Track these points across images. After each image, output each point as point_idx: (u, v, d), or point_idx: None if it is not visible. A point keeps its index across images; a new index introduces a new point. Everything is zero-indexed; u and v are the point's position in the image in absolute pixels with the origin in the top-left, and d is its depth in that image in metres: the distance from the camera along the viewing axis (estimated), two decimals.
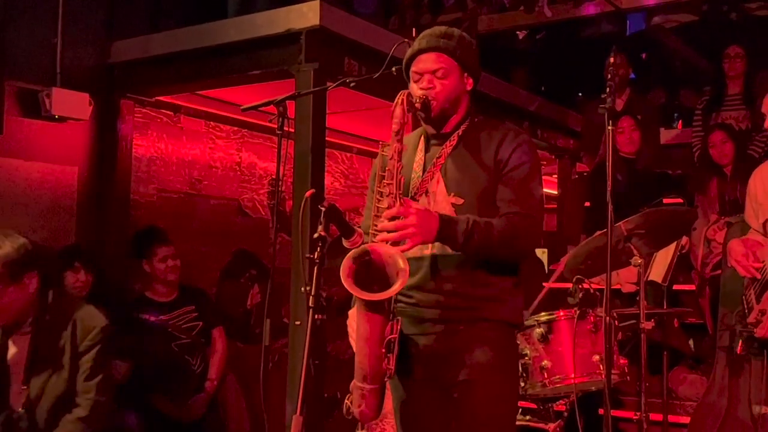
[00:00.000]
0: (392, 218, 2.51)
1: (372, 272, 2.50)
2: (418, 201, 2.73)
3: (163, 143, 5.70)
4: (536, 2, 7.33)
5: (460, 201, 2.70)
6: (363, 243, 2.75)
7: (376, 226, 2.58)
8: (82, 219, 5.15)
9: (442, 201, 2.72)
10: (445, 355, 2.70)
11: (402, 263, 2.46)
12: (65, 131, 5.06)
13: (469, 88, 2.82)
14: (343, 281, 2.45)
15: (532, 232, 2.70)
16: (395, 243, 2.51)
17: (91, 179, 5.23)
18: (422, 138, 2.87)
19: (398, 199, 2.56)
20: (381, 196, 2.63)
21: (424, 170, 2.78)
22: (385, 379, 2.62)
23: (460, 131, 2.80)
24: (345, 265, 2.47)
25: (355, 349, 2.64)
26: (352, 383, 2.65)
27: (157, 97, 5.56)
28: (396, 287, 2.44)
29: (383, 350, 2.56)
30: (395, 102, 2.62)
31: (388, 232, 2.50)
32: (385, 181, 2.61)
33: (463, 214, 2.65)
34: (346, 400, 2.68)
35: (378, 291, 2.47)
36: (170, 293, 4.90)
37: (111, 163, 5.31)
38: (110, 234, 5.28)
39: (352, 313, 2.73)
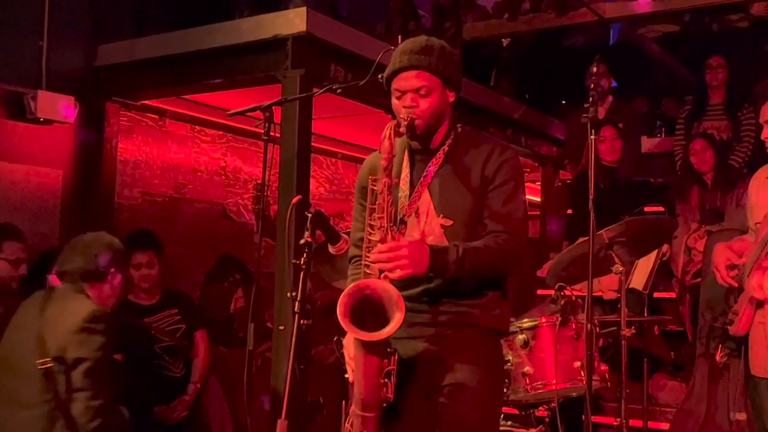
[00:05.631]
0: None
1: (368, 306, 2.52)
2: (407, 221, 2.75)
3: (148, 147, 5.70)
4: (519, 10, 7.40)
5: (449, 222, 2.72)
6: (351, 254, 2.77)
7: (368, 257, 2.61)
8: (66, 222, 5.14)
9: (431, 222, 2.74)
10: (432, 360, 2.72)
11: (397, 298, 2.48)
12: (50, 134, 5.05)
13: (451, 100, 2.82)
14: (339, 320, 2.46)
15: (518, 251, 2.74)
16: (387, 276, 2.54)
17: (76, 182, 5.22)
18: (406, 152, 2.86)
19: (389, 232, 2.58)
20: (372, 229, 2.64)
21: (411, 188, 2.79)
22: (384, 405, 2.64)
23: (446, 147, 2.80)
24: (341, 303, 2.47)
25: (352, 378, 2.66)
26: (351, 409, 2.68)
27: (142, 101, 5.57)
28: (392, 326, 2.46)
29: (381, 380, 2.59)
30: (383, 135, 2.61)
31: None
32: (375, 214, 2.62)
33: (452, 236, 2.69)
34: (346, 424, 2.70)
35: (375, 324, 2.48)
36: (153, 296, 4.90)
37: (96, 166, 5.31)
38: None
39: (348, 341, 2.74)
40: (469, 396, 2.69)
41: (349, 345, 2.72)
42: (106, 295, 3.60)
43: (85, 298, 3.48)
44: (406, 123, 2.67)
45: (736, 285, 3.51)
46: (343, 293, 2.51)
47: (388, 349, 2.62)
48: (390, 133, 2.62)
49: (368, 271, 2.61)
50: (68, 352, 3.28)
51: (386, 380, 2.60)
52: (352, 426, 2.68)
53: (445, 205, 2.74)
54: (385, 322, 2.49)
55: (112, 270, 3.60)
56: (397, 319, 2.46)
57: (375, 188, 2.65)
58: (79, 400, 3.27)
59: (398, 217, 2.73)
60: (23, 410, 3.30)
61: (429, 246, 2.59)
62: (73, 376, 3.27)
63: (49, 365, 3.25)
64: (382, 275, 2.54)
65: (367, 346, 2.54)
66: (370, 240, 2.64)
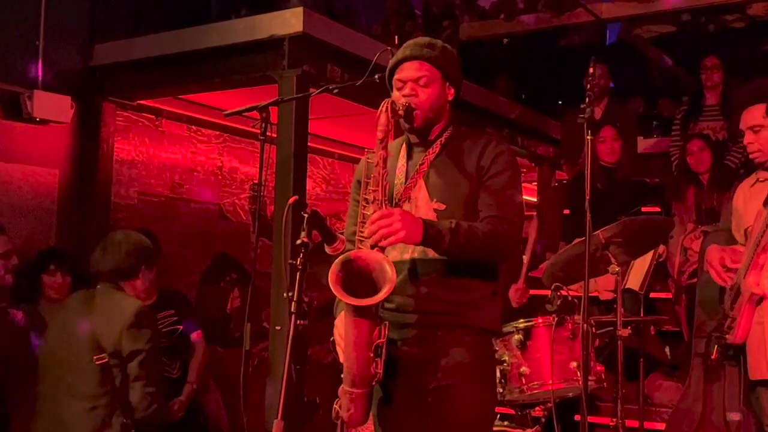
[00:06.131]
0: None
1: (359, 278, 2.52)
2: (401, 207, 2.75)
3: (144, 147, 5.70)
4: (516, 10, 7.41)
5: (442, 206, 2.74)
6: (346, 250, 2.77)
7: (362, 232, 2.61)
8: (62, 222, 5.14)
9: (423, 207, 2.75)
10: (423, 360, 2.73)
11: (389, 269, 2.48)
12: (46, 134, 5.05)
13: (450, 98, 2.86)
14: (331, 287, 2.47)
15: (512, 236, 2.75)
16: (380, 244, 2.53)
17: (72, 182, 5.22)
18: (404, 145, 2.90)
19: (383, 205, 2.60)
20: (366, 203, 2.65)
21: (406, 177, 2.82)
22: (373, 383, 2.64)
23: (443, 139, 2.84)
24: (333, 272, 2.49)
25: (343, 355, 2.66)
26: (340, 388, 2.67)
27: (138, 101, 5.57)
28: (383, 293, 2.46)
29: (371, 354, 2.58)
30: (379, 110, 2.65)
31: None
32: (370, 188, 2.64)
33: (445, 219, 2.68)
34: (335, 405, 2.70)
35: (365, 296, 2.49)
36: (149, 297, 4.89)
37: (92, 166, 5.30)
38: (90, 237, 5.25)
39: (339, 321, 2.75)
40: (459, 396, 2.70)
41: (341, 324, 2.73)
42: (140, 290, 3.90)
43: (126, 295, 3.78)
44: (404, 107, 2.70)
45: (731, 282, 3.52)
46: (334, 262, 2.51)
47: (379, 320, 2.61)
48: (386, 108, 2.65)
49: (361, 246, 2.61)
50: (123, 346, 3.58)
51: (376, 357, 2.60)
52: (340, 406, 2.68)
53: (439, 190, 2.76)
54: (376, 292, 2.49)
55: (143, 266, 3.87)
56: (388, 286, 2.46)
57: (370, 161, 2.67)
58: (136, 388, 3.60)
59: (393, 201, 2.75)
60: (82, 402, 3.56)
61: (422, 219, 2.60)
62: (129, 368, 3.59)
63: (105, 360, 3.54)
64: (374, 248, 2.53)
65: (357, 312, 2.53)
66: (364, 215, 2.64)
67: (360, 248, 2.60)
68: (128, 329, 3.58)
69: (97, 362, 3.53)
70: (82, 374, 3.56)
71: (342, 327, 2.69)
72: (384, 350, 2.60)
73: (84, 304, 3.73)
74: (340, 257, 2.54)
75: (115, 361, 3.56)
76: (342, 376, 2.67)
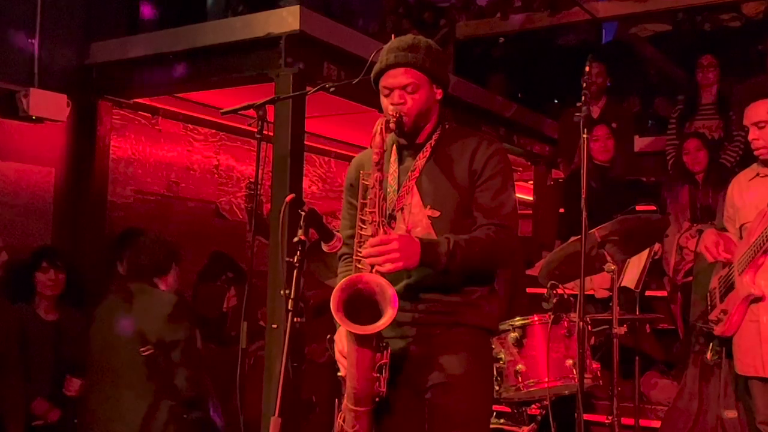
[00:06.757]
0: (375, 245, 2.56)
1: (361, 300, 2.53)
2: (396, 217, 2.76)
3: (140, 145, 5.69)
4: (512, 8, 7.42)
5: (437, 213, 2.74)
6: (343, 251, 2.78)
7: (359, 252, 2.62)
8: (58, 220, 5.13)
9: (418, 213, 2.75)
10: (420, 359, 2.73)
11: (390, 291, 2.49)
12: (42, 132, 5.04)
13: (438, 98, 2.83)
14: (333, 314, 2.49)
15: (509, 243, 2.76)
16: (379, 270, 2.55)
17: (68, 180, 5.21)
18: (394, 147, 2.88)
19: (381, 226, 2.61)
20: (363, 224, 2.66)
21: (399, 183, 2.81)
22: (377, 400, 2.66)
23: (432, 141, 2.82)
24: (335, 297, 2.49)
25: (345, 373, 2.67)
26: (344, 404, 2.69)
27: (135, 99, 5.55)
28: (385, 319, 2.47)
29: (374, 374, 2.61)
30: (374, 131, 2.64)
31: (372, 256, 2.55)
32: (367, 209, 2.64)
33: (440, 227, 2.70)
34: (339, 419, 2.71)
35: (367, 319, 2.49)
36: None
37: (88, 164, 5.29)
38: (86, 235, 5.26)
39: (339, 336, 2.76)
40: (457, 395, 2.70)
41: (341, 340, 2.74)
42: (171, 284, 4.29)
43: (161, 291, 4.18)
44: (395, 119, 2.69)
45: (726, 260, 3.54)
46: (336, 287, 2.52)
47: (381, 343, 2.63)
48: (381, 129, 2.64)
49: (360, 266, 2.62)
50: (165, 337, 3.97)
51: (379, 374, 2.61)
52: (344, 421, 2.69)
53: (433, 196, 2.75)
54: (378, 315, 2.50)
55: (173, 263, 4.30)
56: (390, 312, 2.47)
57: (366, 183, 2.67)
58: (180, 374, 4.00)
59: (388, 212, 2.75)
60: (132, 391, 3.94)
61: (420, 239, 2.61)
62: (173, 356, 3.97)
63: (150, 351, 3.93)
64: (373, 269, 2.55)
65: (360, 340, 2.55)
66: (361, 235, 2.65)
67: (360, 268, 2.62)
68: (167, 322, 3.98)
69: (143, 354, 3.92)
70: (131, 366, 3.94)
71: (342, 342, 2.71)
72: (387, 369, 2.63)
73: (123, 304, 4.07)
74: (342, 281, 2.55)
75: (159, 351, 3.94)
76: (344, 393, 2.68)
